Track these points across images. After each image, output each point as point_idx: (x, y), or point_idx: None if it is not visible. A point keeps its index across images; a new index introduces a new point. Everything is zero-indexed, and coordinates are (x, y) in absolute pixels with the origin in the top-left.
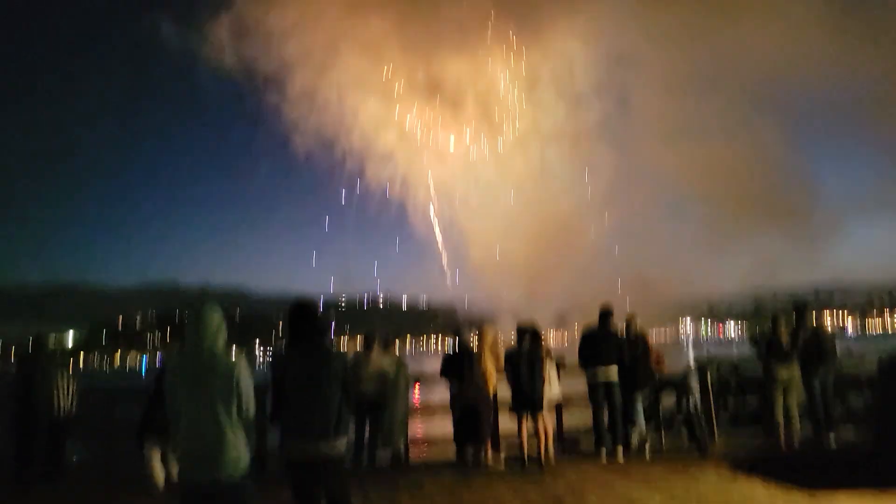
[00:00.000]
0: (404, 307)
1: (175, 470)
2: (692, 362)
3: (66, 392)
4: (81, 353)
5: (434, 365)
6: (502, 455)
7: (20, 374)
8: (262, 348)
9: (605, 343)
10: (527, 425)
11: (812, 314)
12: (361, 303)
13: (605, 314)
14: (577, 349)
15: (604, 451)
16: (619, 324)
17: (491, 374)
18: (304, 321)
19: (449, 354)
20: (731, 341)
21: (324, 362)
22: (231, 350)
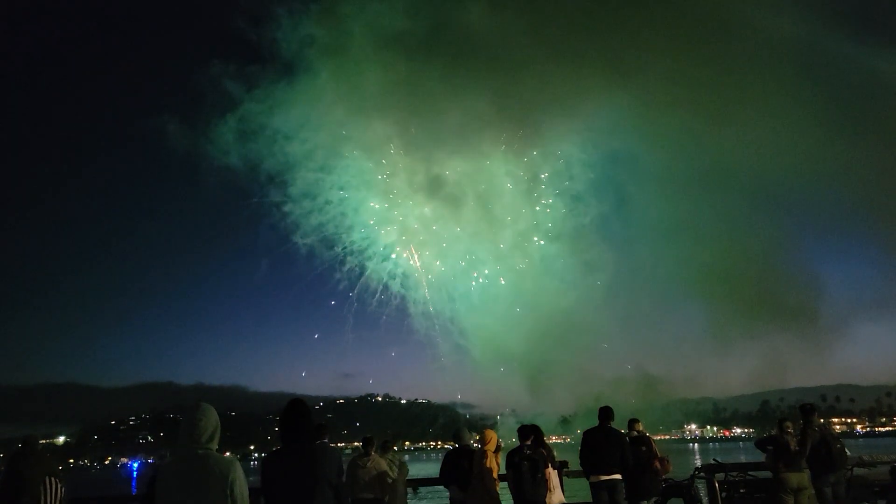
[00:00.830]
0: (403, 406)
1: None
2: (698, 466)
3: (53, 496)
4: (72, 454)
5: (432, 469)
6: None
7: (8, 476)
8: (256, 451)
9: (606, 445)
10: None
11: (818, 417)
12: (359, 402)
13: (605, 416)
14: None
15: None
16: (623, 427)
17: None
18: (296, 421)
19: (449, 458)
20: (738, 444)
21: (315, 463)
22: (226, 452)
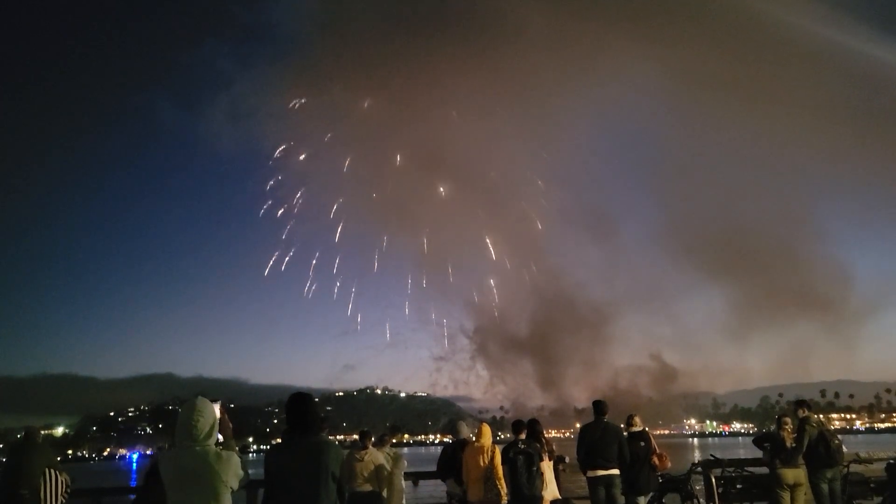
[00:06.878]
0: (402, 400)
1: None
2: (696, 461)
3: (53, 486)
4: (71, 445)
5: (432, 463)
6: None
7: (8, 466)
8: (255, 443)
9: (603, 439)
10: None
11: (814, 413)
12: (359, 395)
13: (600, 410)
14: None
15: None
16: (621, 423)
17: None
18: (300, 414)
19: (447, 451)
20: (737, 439)
21: (316, 457)
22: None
